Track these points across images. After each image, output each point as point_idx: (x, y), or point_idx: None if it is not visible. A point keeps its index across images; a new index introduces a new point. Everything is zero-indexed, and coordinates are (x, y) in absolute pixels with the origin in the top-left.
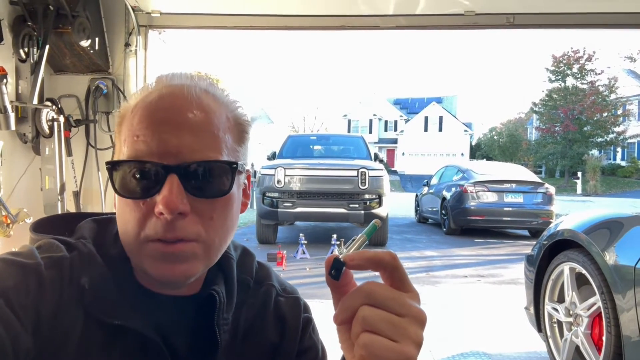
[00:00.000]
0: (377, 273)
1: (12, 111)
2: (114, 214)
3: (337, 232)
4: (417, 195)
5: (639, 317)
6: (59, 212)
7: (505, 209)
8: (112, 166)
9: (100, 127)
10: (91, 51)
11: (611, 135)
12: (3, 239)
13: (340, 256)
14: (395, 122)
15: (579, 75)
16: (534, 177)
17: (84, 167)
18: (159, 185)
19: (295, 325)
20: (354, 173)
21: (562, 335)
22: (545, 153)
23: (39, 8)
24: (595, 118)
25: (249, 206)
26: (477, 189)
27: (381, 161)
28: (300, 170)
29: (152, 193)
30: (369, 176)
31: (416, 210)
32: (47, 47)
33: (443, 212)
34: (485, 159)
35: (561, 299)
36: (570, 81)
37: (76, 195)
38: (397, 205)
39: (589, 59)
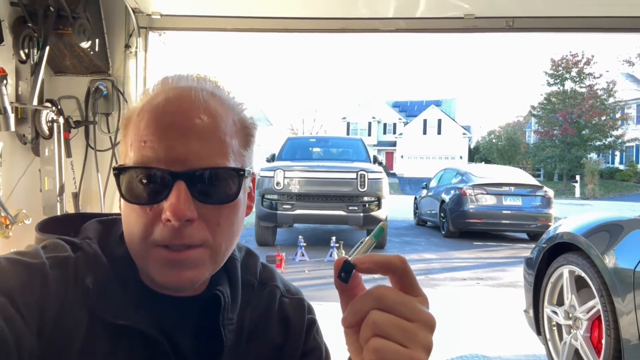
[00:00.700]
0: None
1: (12, 112)
2: (119, 214)
3: (336, 234)
4: (415, 198)
5: (639, 320)
6: (58, 213)
7: (504, 212)
8: (119, 171)
9: (99, 128)
10: (91, 52)
11: (609, 139)
12: (2, 240)
13: (349, 259)
14: (394, 124)
15: (578, 79)
16: (533, 181)
17: (83, 169)
18: (166, 192)
19: (300, 326)
20: (353, 175)
21: (561, 338)
22: (544, 156)
23: (40, 9)
24: (594, 122)
25: (250, 213)
26: (476, 192)
27: (380, 164)
28: (300, 172)
29: (160, 199)
30: (368, 179)
31: (415, 213)
32: (47, 48)
33: (442, 214)
34: (483, 162)
35: (560, 302)
36: (568, 85)
37: (75, 196)
38: (396, 208)
39: (588, 62)
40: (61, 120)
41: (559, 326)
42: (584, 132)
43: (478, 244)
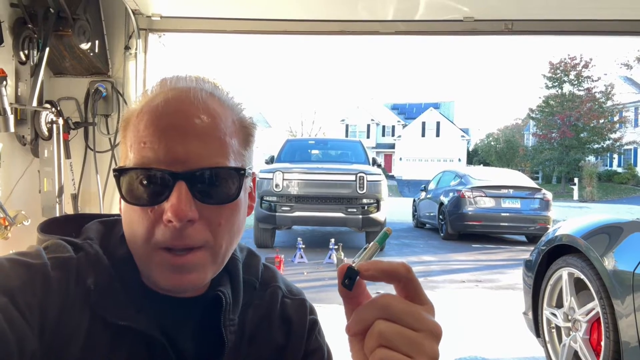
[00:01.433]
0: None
1: (11, 113)
2: (120, 215)
3: (335, 236)
4: (414, 200)
5: (638, 322)
6: (57, 214)
7: (503, 214)
8: (120, 173)
9: (99, 129)
10: (91, 54)
11: (608, 142)
12: (1, 241)
13: (353, 265)
14: (393, 127)
15: (576, 82)
16: (531, 183)
17: (82, 170)
18: (167, 193)
19: (302, 327)
20: (352, 177)
21: (560, 340)
22: (542, 159)
23: (40, 10)
24: (592, 125)
25: (252, 212)
26: (475, 195)
27: (379, 166)
28: (299, 174)
29: (160, 200)
30: (367, 181)
31: (414, 215)
32: (47, 49)
33: (440, 217)
34: (482, 165)
35: (560, 304)
36: (567, 88)
37: (74, 197)
38: (395, 210)
39: (586, 65)
40: (60, 121)
41: (558, 328)
42: (582, 135)
43: (477, 246)
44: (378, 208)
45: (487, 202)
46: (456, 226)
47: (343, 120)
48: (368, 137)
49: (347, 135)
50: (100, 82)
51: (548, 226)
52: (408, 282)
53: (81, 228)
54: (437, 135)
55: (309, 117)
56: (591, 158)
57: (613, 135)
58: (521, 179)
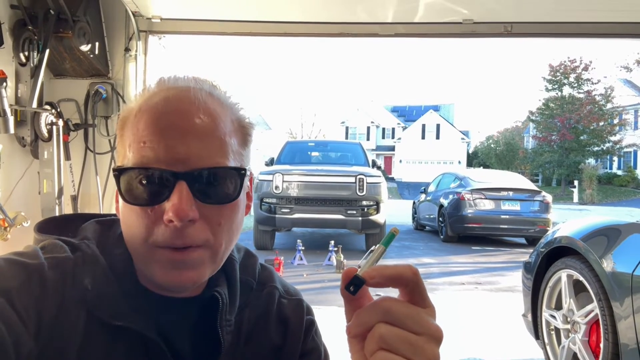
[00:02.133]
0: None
1: (11, 115)
2: (117, 215)
3: (334, 238)
4: (414, 203)
5: (637, 324)
6: (54, 216)
7: (502, 216)
8: (120, 172)
9: (99, 131)
10: (91, 56)
11: (607, 145)
12: (1, 242)
13: (358, 271)
14: (393, 129)
15: (576, 85)
16: (531, 185)
17: (82, 171)
18: (167, 192)
19: (298, 327)
20: (352, 179)
21: (559, 342)
22: (542, 161)
23: (40, 12)
24: (592, 127)
25: (249, 212)
26: (475, 197)
27: (379, 168)
28: (298, 176)
29: (161, 200)
30: (366, 183)
31: (413, 218)
32: (47, 51)
33: (440, 219)
34: (482, 167)
35: (559, 306)
36: (567, 90)
37: (74, 199)
38: (395, 213)
39: (586, 68)
40: (60, 123)
41: (557, 330)
42: (582, 137)
43: (476, 248)
44: (378, 210)
45: (487, 205)
46: (456, 228)
47: (343, 122)
48: (368, 139)
49: (347, 138)
50: (100, 84)
51: (548, 228)
52: (414, 287)
53: (78, 228)
54: (437, 137)
55: (308, 119)
56: (591, 160)
57: (613, 138)
58: (521, 182)
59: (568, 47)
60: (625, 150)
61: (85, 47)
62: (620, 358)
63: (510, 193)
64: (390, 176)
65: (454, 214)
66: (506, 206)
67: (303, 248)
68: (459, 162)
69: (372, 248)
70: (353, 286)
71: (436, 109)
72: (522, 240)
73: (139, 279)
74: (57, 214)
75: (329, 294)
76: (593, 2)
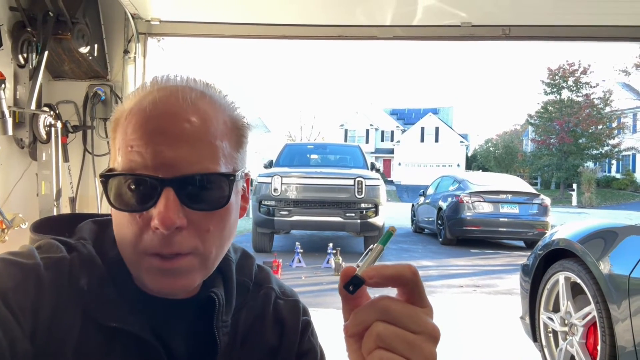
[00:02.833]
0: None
1: (10, 116)
2: None
3: (333, 241)
4: (413, 205)
5: (634, 326)
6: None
7: (501, 219)
8: (106, 179)
9: (97, 133)
10: (90, 57)
11: (606, 148)
12: None
13: (357, 270)
14: (392, 132)
15: (574, 88)
16: (530, 188)
17: (80, 173)
18: (154, 199)
19: (295, 328)
20: (351, 182)
21: (557, 344)
22: (541, 165)
23: (39, 14)
24: (591, 130)
25: (245, 214)
26: (473, 200)
27: (378, 170)
28: (297, 178)
29: (148, 206)
30: (365, 185)
31: (412, 220)
32: (46, 52)
33: (439, 222)
34: (481, 170)
35: (556, 309)
36: (565, 94)
37: (72, 201)
38: (393, 215)
39: (584, 72)
40: (59, 124)
41: (554, 333)
42: (580, 140)
43: (475, 251)
44: (376, 213)
45: (486, 208)
46: (455, 231)
47: (342, 125)
48: (367, 142)
49: (346, 140)
50: (99, 86)
51: (546, 232)
52: (414, 287)
53: (74, 228)
54: (436, 140)
55: (308, 122)
56: (590, 164)
57: (611, 141)
58: (520, 185)
59: (567, 51)
60: (624, 153)
61: (84, 49)
62: None
63: (509, 196)
64: (389, 179)
65: (453, 217)
66: (505, 209)
67: (301, 250)
68: (458, 165)
69: (370, 247)
70: (352, 286)
71: (435, 112)
72: (521, 243)
73: (135, 280)
74: None
75: (327, 297)
76: (591, 6)
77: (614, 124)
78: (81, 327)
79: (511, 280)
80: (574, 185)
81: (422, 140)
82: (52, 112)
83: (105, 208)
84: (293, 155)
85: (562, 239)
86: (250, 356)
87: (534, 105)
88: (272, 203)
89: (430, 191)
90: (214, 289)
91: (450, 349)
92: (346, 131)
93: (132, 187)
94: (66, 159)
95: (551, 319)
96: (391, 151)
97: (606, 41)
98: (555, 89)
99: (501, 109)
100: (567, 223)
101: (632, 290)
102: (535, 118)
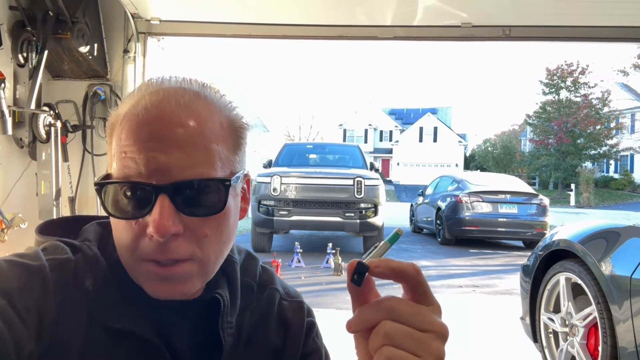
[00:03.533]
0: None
1: (9, 116)
2: None
3: (332, 240)
4: (412, 205)
5: (635, 327)
6: (54, 217)
7: (500, 219)
8: (100, 187)
9: (97, 133)
10: (90, 57)
11: (604, 148)
12: None
13: (363, 260)
14: (391, 132)
15: (573, 88)
16: (529, 189)
17: (80, 173)
18: (149, 206)
19: (299, 329)
20: (350, 182)
21: (557, 345)
22: (539, 165)
23: (39, 13)
24: (589, 131)
25: (245, 215)
26: (472, 200)
27: (377, 170)
28: (296, 178)
29: (144, 213)
30: (364, 185)
31: (411, 220)
32: (46, 52)
33: (438, 222)
34: (479, 170)
35: (557, 309)
36: (564, 94)
37: (71, 200)
38: (392, 215)
39: (583, 72)
40: (59, 124)
41: (555, 333)
42: (579, 141)
43: (474, 251)
44: (376, 213)
45: (485, 208)
46: (453, 231)
47: (341, 125)
48: (366, 142)
49: (344, 140)
50: (98, 86)
51: (545, 232)
52: (417, 284)
53: (79, 230)
54: (435, 140)
55: (307, 122)
56: (588, 164)
57: (610, 142)
58: (518, 185)
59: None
60: (622, 153)
61: (84, 49)
62: None
63: (508, 196)
64: (388, 179)
65: (452, 217)
66: (504, 209)
67: (301, 250)
68: (457, 165)
69: (376, 244)
70: (357, 275)
71: (434, 112)
72: (520, 244)
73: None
74: (54, 215)
75: (327, 297)
76: (591, 7)
77: (612, 124)
78: (86, 328)
79: (510, 280)
80: (572, 186)
81: (420, 140)
82: (51, 112)
83: None
84: (292, 155)
85: (563, 240)
86: (254, 357)
87: (533, 106)
88: (272, 203)
89: (429, 191)
90: (219, 290)
91: (449, 349)
92: (345, 131)
93: (127, 194)
94: (66, 158)
95: (552, 320)
96: (390, 151)
97: (605, 42)
98: (553, 89)
99: (499, 109)
100: (567, 224)
101: (634, 291)
102: (534, 118)
